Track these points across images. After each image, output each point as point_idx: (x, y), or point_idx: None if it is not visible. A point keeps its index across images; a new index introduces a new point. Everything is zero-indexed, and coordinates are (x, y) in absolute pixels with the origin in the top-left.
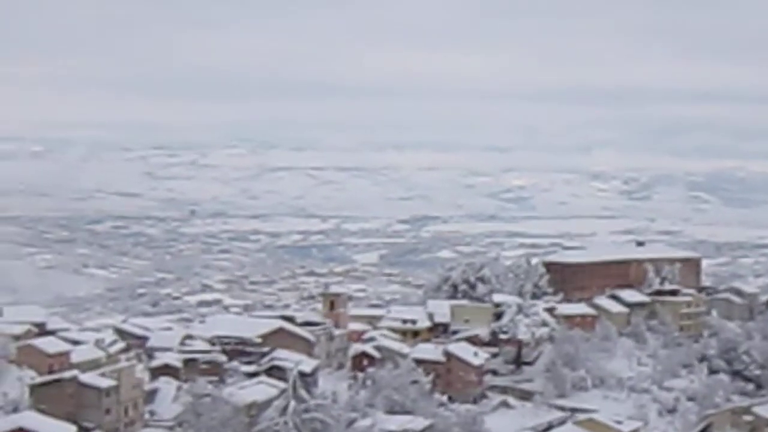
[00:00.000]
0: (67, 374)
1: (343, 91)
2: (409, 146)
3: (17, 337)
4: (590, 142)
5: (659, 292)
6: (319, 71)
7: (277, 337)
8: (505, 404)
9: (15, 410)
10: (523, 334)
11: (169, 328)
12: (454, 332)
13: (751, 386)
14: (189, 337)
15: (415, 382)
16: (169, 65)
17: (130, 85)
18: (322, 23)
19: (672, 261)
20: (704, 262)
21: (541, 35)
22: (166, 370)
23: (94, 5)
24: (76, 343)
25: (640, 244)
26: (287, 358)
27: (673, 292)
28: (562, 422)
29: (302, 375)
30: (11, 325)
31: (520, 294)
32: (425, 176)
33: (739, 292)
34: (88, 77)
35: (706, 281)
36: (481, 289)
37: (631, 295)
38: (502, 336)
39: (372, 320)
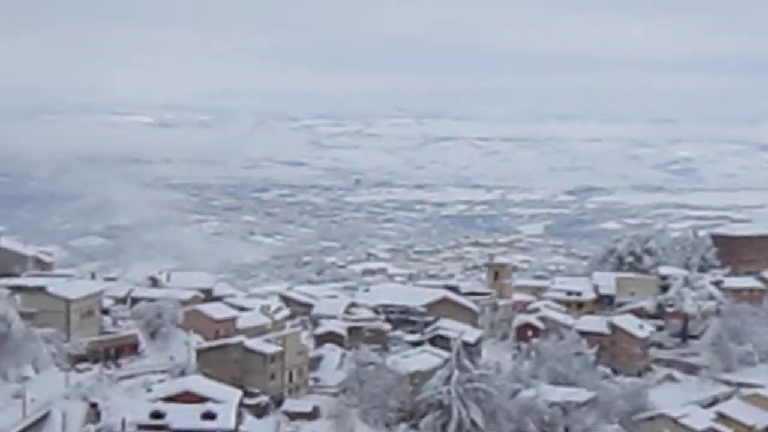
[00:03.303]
0: (233, 340)
1: (508, 61)
2: (575, 117)
3: (185, 303)
4: (759, 113)
5: None
6: (485, 41)
7: (442, 307)
8: (670, 378)
9: (182, 374)
10: (689, 308)
11: (334, 296)
12: (620, 304)
13: None
14: (354, 305)
15: (579, 353)
16: (337, 35)
17: (297, 55)
18: None
19: None
20: None
21: (710, 3)
22: (331, 337)
23: None
24: (242, 309)
25: None
26: (451, 327)
27: None
28: (728, 397)
29: (466, 345)
30: (179, 291)
31: (687, 267)
32: (590, 147)
33: None
34: (256, 48)
35: None
36: (647, 261)
37: None
38: (668, 309)
39: (536, 291)
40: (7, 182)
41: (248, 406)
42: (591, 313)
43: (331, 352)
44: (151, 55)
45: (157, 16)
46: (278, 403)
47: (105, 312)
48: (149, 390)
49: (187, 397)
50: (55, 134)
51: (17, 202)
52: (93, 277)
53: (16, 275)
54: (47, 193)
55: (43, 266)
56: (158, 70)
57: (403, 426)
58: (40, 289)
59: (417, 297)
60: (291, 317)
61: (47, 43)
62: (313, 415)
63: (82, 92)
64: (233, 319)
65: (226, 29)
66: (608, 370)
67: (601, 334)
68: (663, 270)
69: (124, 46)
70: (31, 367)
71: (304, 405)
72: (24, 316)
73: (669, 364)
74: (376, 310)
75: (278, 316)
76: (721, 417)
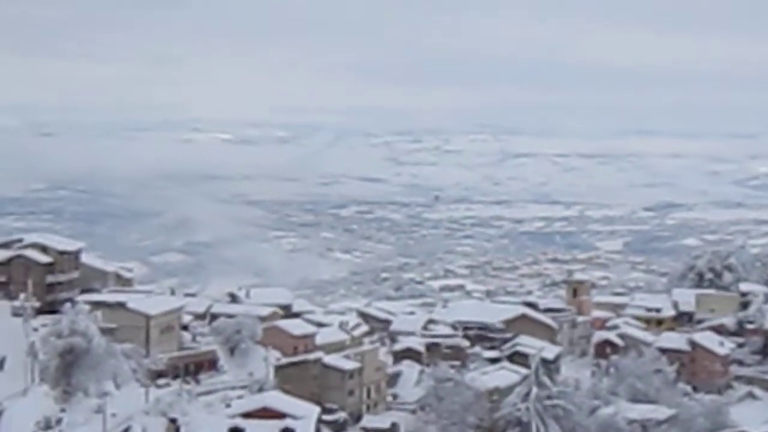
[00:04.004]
0: (311, 356)
1: (587, 77)
2: (653, 133)
3: (264, 319)
4: None
5: None
6: (562, 56)
7: (520, 323)
8: (751, 395)
9: (261, 390)
10: None
11: (412, 313)
12: (699, 321)
13: None
14: (432, 321)
15: (659, 370)
16: (416, 51)
17: (375, 71)
18: (567, 8)
19: None
20: None
21: None
22: (409, 353)
23: None
24: (320, 325)
25: None
26: (530, 344)
27: None
28: None
29: (545, 361)
30: (258, 307)
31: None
32: (670, 163)
33: None
34: (335, 63)
35: None
36: (727, 277)
37: None
38: (749, 326)
39: (615, 308)
40: (88, 199)
41: (327, 423)
42: (671, 330)
43: (409, 369)
44: (231, 72)
45: (237, 34)
46: (356, 419)
47: (184, 328)
48: (228, 406)
49: (265, 413)
50: (135, 151)
51: (98, 218)
52: (173, 292)
53: (97, 291)
54: (127, 210)
55: (123, 282)
56: (238, 87)
57: None
58: (121, 305)
59: (495, 313)
60: (369, 333)
61: (128, 61)
62: (391, 431)
63: (162, 109)
64: (312, 335)
65: (306, 46)
66: (688, 388)
67: (681, 351)
68: (743, 286)
69: (204, 64)
70: (111, 382)
71: (382, 421)
72: (105, 331)
73: (750, 381)
74: (454, 327)
75: (357, 333)
76: None
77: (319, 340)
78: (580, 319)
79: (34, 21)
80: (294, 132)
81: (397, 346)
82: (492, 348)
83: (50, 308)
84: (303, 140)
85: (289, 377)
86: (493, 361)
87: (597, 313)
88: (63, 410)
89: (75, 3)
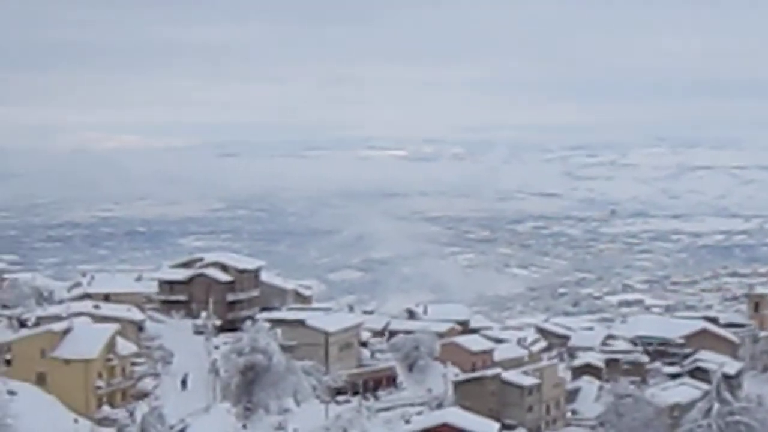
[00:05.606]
0: (489, 372)
1: (765, 87)
2: None
3: (441, 335)
4: None
5: None
6: (741, 68)
7: (700, 339)
8: None
9: (440, 406)
10: None
11: (590, 328)
12: None
13: None
14: (610, 337)
15: None
16: (591, 67)
17: (549, 87)
18: (747, 19)
19: None
20: None
21: None
22: (588, 369)
23: (522, 9)
24: (498, 341)
25: None
26: (711, 359)
27: None
28: None
29: (726, 377)
30: (436, 323)
31: None
32: None
33: None
34: (509, 80)
35: None
36: None
37: None
38: None
39: None
40: (267, 217)
41: None
42: None
43: (589, 385)
44: (406, 90)
45: (413, 52)
46: None
47: (363, 344)
48: (407, 422)
49: (445, 430)
50: (313, 169)
51: (277, 237)
52: (351, 310)
53: (277, 309)
54: (306, 228)
55: (302, 300)
56: (414, 104)
57: None
58: (300, 322)
59: (675, 328)
60: (547, 349)
61: (307, 81)
62: None
63: (339, 127)
64: (490, 351)
65: (480, 63)
66: None
67: None
68: None
69: (381, 81)
70: (292, 399)
71: None
72: (285, 348)
73: None
74: (633, 342)
75: (535, 348)
76: None
77: (497, 356)
78: (762, 333)
79: (215, 45)
80: (469, 148)
81: (576, 362)
82: (672, 363)
83: (231, 326)
84: (478, 156)
85: (468, 393)
86: (674, 376)
87: None
88: (244, 427)
89: (257, 26)
